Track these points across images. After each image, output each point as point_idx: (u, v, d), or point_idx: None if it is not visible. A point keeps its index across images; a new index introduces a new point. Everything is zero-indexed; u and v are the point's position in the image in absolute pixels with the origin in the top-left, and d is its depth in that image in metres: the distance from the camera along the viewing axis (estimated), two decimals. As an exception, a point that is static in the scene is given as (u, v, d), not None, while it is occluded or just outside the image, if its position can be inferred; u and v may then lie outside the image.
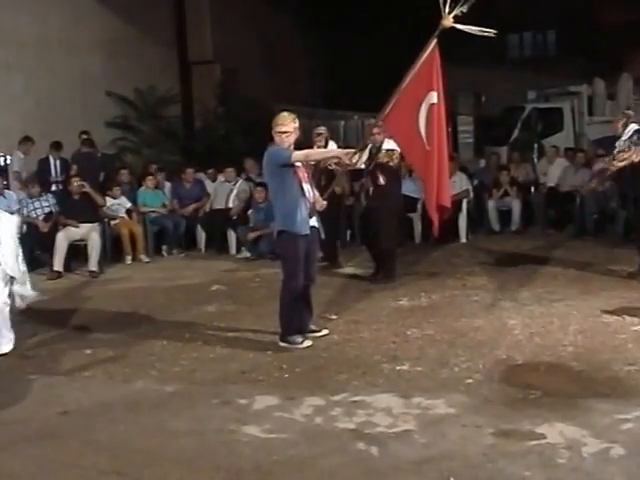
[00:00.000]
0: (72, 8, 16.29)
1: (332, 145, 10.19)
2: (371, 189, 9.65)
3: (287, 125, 6.83)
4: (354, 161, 7.47)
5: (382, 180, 9.51)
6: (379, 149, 9.48)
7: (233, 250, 12.65)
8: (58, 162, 13.45)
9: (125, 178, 13.55)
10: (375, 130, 9.24)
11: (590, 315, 7.66)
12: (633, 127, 9.20)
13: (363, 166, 9.52)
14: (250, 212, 12.57)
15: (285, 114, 6.93)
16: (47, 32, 15.70)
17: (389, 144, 9.31)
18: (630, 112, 10.05)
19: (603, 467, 4.36)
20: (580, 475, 4.28)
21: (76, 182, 11.91)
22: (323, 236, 7.36)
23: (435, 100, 7.04)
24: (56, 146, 13.45)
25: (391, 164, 9.50)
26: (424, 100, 7.06)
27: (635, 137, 9.10)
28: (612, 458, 4.46)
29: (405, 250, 11.78)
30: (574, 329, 7.18)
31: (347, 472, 4.44)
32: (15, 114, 14.53)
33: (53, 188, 13.11)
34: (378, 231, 9.70)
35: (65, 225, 11.52)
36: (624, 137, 9.20)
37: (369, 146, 9.36)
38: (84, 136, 14.12)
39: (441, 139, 7.15)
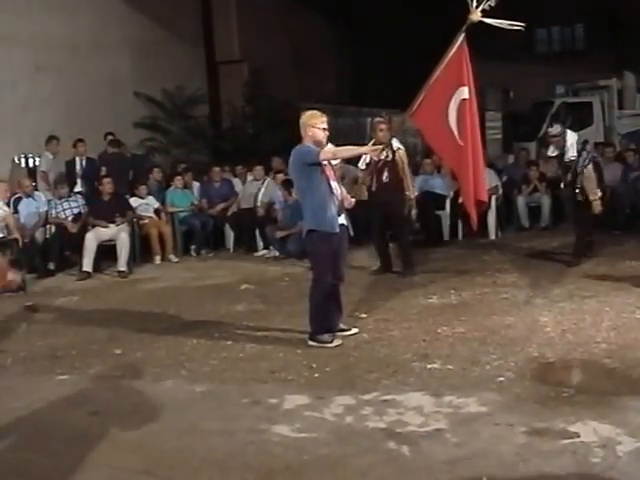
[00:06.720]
0: (101, 10, 16.40)
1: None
2: (374, 185, 9.67)
3: (325, 122, 6.83)
4: (382, 157, 7.44)
5: (386, 177, 9.58)
6: (390, 146, 9.47)
7: (262, 249, 12.65)
8: (84, 162, 13.48)
9: (157, 176, 13.64)
10: (381, 127, 9.34)
11: (623, 311, 7.56)
12: None
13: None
14: (275, 206, 12.58)
15: (317, 112, 6.92)
16: (76, 34, 15.80)
17: (396, 142, 9.46)
18: None
19: (639, 466, 4.29)
20: (615, 474, 4.21)
21: (108, 183, 11.96)
22: (352, 234, 7.33)
23: (466, 95, 6.97)
24: (76, 143, 13.45)
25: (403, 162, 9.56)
26: (454, 95, 6.99)
27: None
28: (648, 457, 4.39)
29: (434, 247, 11.78)
30: (607, 325, 7.10)
31: (378, 472, 4.40)
32: (45, 116, 14.62)
33: (77, 189, 13.09)
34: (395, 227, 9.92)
35: (94, 225, 11.57)
36: None
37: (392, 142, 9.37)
38: (110, 137, 14.18)
39: (475, 134, 7.08)
